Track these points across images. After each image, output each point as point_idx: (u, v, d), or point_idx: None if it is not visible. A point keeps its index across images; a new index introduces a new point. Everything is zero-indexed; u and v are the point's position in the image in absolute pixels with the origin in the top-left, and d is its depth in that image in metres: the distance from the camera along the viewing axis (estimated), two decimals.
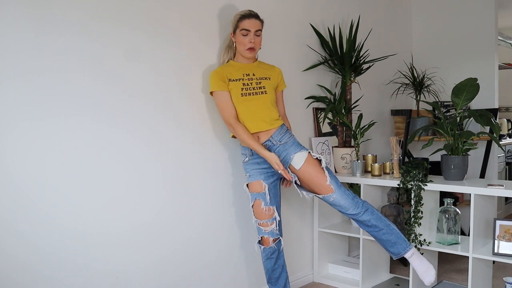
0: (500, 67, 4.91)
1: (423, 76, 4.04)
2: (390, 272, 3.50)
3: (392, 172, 3.27)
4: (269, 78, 2.69)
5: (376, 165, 3.25)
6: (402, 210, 3.23)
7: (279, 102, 2.81)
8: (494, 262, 3.36)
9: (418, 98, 4.02)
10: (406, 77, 4.07)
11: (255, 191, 2.67)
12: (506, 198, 5.17)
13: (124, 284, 2.40)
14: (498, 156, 4.50)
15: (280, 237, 2.71)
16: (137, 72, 2.42)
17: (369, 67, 3.56)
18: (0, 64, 1.95)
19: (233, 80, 2.61)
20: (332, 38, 3.43)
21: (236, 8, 2.88)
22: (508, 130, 5.54)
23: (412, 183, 2.94)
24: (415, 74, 4.04)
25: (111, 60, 2.31)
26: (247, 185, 2.71)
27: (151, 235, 2.51)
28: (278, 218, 2.68)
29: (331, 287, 3.36)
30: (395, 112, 4.05)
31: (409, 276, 3.07)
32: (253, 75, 2.65)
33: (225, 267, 2.90)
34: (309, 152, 2.67)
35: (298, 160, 2.63)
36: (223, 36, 2.83)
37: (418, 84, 4.01)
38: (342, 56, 3.39)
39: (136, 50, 2.42)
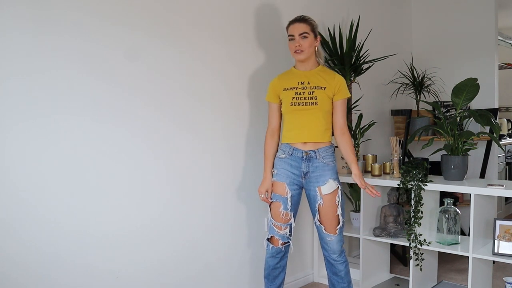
0: (500, 67, 4.91)
1: (423, 76, 4.04)
2: (390, 272, 3.50)
3: (392, 172, 3.26)
4: (324, 88, 2.57)
5: (376, 165, 3.25)
6: (402, 210, 3.23)
7: (337, 113, 2.62)
8: (494, 262, 3.36)
9: (418, 98, 4.02)
10: (406, 77, 4.07)
11: (277, 192, 2.62)
12: (506, 198, 5.17)
13: (124, 284, 2.40)
14: (498, 156, 4.50)
15: (290, 242, 2.69)
16: (137, 72, 2.42)
17: (369, 67, 3.55)
18: (0, 64, 1.95)
19: (287, 89, 2.60)
20: (332, 38, 3.43)
21: (238, 7, 2.88)
22: (508, 130, 5.54)
23: (412, 183, 2.94)
24: (415, 74, 4.04)
25: (111, 60, 2.31)
26: (272, 181, 2.65)
27: (152, 236, 2.51)
28: (293, 225, 2.66)
29: None
30: (395, 112, 4.04)
31: (409, 276, 3.07)
32: (308, 83, 2.58)
33: (226, 268, 2.90)
34: (338, 186, 2.62)
35: (329, 188, 2.58)
36: (225, 35, 2.83)
37: (418, 84, 4.01)
38: (342, 56, 3.39)
39: (136, 50, 2.41)
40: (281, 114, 2.69)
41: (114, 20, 2.31)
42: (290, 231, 2.66)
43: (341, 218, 2.62)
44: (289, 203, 2.60)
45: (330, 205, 2.58)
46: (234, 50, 2.90)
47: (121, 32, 2.34)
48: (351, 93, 3.46)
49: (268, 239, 2.69)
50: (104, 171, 2.30)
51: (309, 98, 2.55)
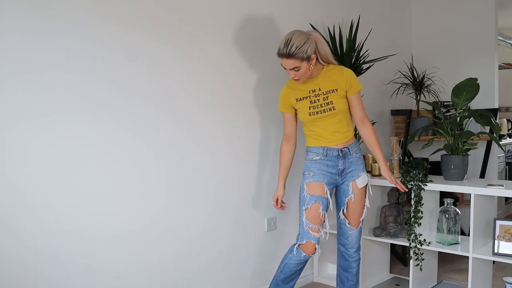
0: (500, 67, 4.91)
1: (423, 76, 4.04)
2: (390, 272, 3.50)
3: (392, 172, 3.26)
4: (336, 90, 2.53)
5: (376, 165, 3.25)
6: (402, 210, 3.23)
7: (353, 106, 2.58)
8: (494, 262, 3.36)
9: (418, 98, 4.02)
10: (406, 77, 4.07)
11: (315, 194, 2.56)
12: (506, 198, 5.17)
13: (124, 284, 2.40)
14: (498, 156, 4.49)
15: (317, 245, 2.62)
16: (138, 72, 2.42)
17: (369, 67, 3.55)
18: (0, 64, 1.95)
19: (300, 99, 2.57)
20: (332, 38, 3.42)
21: (237, 7, 2.88)
22: (508, 130, 5.54)
23: (412, 183, 2.94)
24: (415, 74, 4.04)
25: (111, 60, 2.31)
26: (306, 184, 2.59)
27: (152, 236, 2.51)
28: (328, 226, 2.67)
29: (331, 287, 3.36)
30: (395, 112, 4.04)
31: (409, 276, 3.07)
32: (319, 89, 2.54)
33: (226, 268, 2.90)
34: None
35: (363, 181, 2.63)
36: (225, 35, 2.83)
37: (418, 84, 4.01)
38: (342, 56, 3.39)
39: (136, 50, 2.42)
40: (296, 121, 2.68)
41: (114, 20, 2.31)
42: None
43: (365, 211, 2.68)
44: (329, 202, 2.61)
45: (360, 199, 2.65)
46: (234, 50, 2.89)
47: (121, 32, 2.34)
48: None
49: (297, 247, 2.57)
50: (104, 171, 2.30)
51: (325, 104, 2.53)
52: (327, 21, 3.54)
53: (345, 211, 2.65)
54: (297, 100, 2.58)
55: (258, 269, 3.07)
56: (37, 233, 2.08)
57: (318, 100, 2.54)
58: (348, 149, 2.59)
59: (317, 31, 3.42)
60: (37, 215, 2.08)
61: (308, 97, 2.55)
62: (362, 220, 2.70)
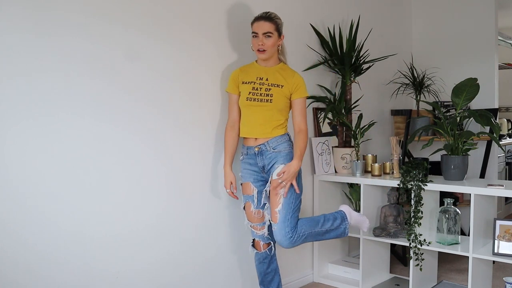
0: (500, 67, 4.91)
1: (423, 76, 4.04)
2: (390, 272, 3.50)
3: (392, 172, 3.27)
4: (282, 86, 2.58)
5: (376, 165, 3.25)
6: (402, 210, 3.23)
7: (294, 111, 2.63)
8: (494, 262, 3.36)
9: (418, 98, 4.02)
10: (406, 77, 4.07)
11: (245, 193, 2.68)
12: (506, 198, 5.17)
13: (124, 284, 2.40)
14: (498, 156, 4.50)
15: (272, 242, 2.71)
16: (138, 72, 2.42)
17: (369, 67, 3.56)
18: (0, 64, 1.95)
19: (245, 82, 2.62)
20: (332, 38, 3.43)
21: (238, 8, 2.88)
22: (508, 130, 5.54)
23: (412, 183, 2.94)
24: (415, 74, 4.04)
25: (111, 60, 2.31)
26: (241, 184, 2.71)
27: (151, 236, 2.51)
28: (268, 223, 2.68)
29: (331, 287, 3.36)
30: (395, 112, 4.05)
31: (409, 276, 3.07)
32: (266, 80, 2.60)
33: (224, 268, 2.90)
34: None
35: (277, 171, 2.55)
36: (225, 36, 2.83)
37: (418, 84, 4.01)
38: (342, 56, 3.39)
39: (136, 50, 2.41)
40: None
41: (114, 20, 2.31)
42: (269, 230, 2.68)
43: (281, 201, 2.51)
44: (256, 200, 2.64)
45: (275, 191, 2.54)
46: (234, 51, 2.89)
47: (121, 32, 2.34)
48: (351, 93, 3.47)
49: (252, 246, 2.73)
50: (104, 171, 2.30)
51: (265, 94, 2.57)
52: (327, 21, 3.54)
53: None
54: (243, 82, 2.63)
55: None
56: (37, 233, 2.08)
57: (261, 89, 2.58)
58: (265, 145, 2.60)
59: (317, 31, 3.43)
60: (37, 215, 2.08)
61: (253, 83, 2.60)
62: (282, 212, 2.50)
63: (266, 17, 2.53)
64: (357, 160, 3.32)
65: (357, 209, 3.46)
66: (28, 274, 2.06)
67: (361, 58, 3.46)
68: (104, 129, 2.30)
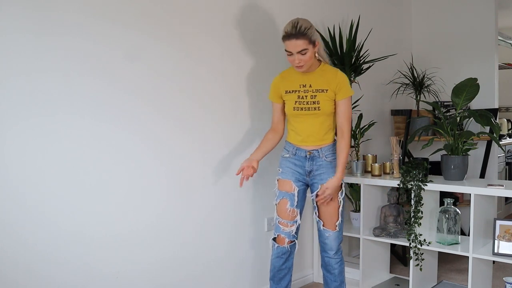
0: (500, 67, 4.91)
1: (423, 76, 4.04)
2: (390, 272, 3.50)
3: (392, 172, 3.26)
4: (326, 90, 2.51)
5: (376, 165, 3.25)
6: (402, 210, 3.23)
7: (339, 113, 2.55)
8: (494, 262, 3.36)
9: (418, 98, 4.02)
10: (406, 77, 4.07)
11: (283, 190, 2.63)
12: (506, 198, 5.17)
13: (124, 284, 2.40)
14: (498, 156, 4.50)
15: (296, 240, 2.69)
16: (138, 72, 2.42)
17: (369, 67, 3.55)
18: (0, 64, 1.95)
19: (289, 91, 2.58)
20: (332, 38, 3.43)
21: (237, 8, 2.88)
22: (508, 130, 5.54)
23: (412, 183, 2.94)
24: (415, 74, 4.04)
25: (111, 60, 2.31)
26: (277, 180, 2.67)
27: (152, 236, 2.51)
28: (299, 222, 2.67)
29: None
30: (395, 112, 4.04)
31: (409, 276, 3.07)
32: (310, 86, 2.53)
33: (226, 268, 2.90)
34: (342, 183, 2.64)
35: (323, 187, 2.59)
36: (225, 36, 2.82)
37: (418, 84, 4.01)
38: (342, 56, 3.39)
39: (136, 50, 2.41)
40: (284, 113, 2.69)
41: (114, 20, 2.31)
42: (297, 229, 2.66)
43: (340, 214, 2.63)
44: (296, 199, 2.61)
45: (331, 202, 2.60)
46: (234, 51, 2.89)
47: (121, 32, 2.34)
48: None
49: (273, 239, 2.68)
50: (104, 171, 2.30)
51: (312, 102, 2.53)
52: (327, 21, 3.54)
53: (317, 212, 2.64)
54: (286, 92, 2.59)
55: (258, 269, 3.07)
56: (37, 233, 2.08)
57: (306, 96, 2.54)
58: (318, 152, 2.59)
59: (317, 31, 3.43)
60: (37, 215, 2.08)
61: (297, 91, 2.56)
62: (340, 224, 2.63)
63: (297, 33, 2.37)
64: (357, 160, 3.31)
65: (357, 209, 3.46)
66: (28, 274, 2.06)
67: (361, 58, 3.46)
68: (104, 129, 2.30)
